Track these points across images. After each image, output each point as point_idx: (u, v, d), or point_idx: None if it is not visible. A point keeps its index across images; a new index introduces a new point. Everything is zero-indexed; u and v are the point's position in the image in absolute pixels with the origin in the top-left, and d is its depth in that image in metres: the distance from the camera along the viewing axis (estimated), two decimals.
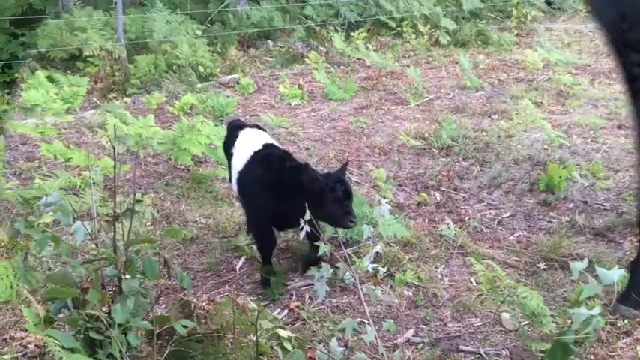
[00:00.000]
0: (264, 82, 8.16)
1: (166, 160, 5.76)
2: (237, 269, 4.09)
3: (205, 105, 6.78)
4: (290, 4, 10.78)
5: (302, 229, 2.56)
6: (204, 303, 2.37)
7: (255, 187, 3.74)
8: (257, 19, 10.14)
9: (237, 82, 8.03)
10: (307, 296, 3.79)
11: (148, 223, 4.56)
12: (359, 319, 2.96)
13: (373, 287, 2.43)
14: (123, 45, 8.42)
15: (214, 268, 4.12)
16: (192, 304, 2.37)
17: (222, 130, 5.58)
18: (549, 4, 11.72)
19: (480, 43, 9.66)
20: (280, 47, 9.63)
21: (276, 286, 3.75)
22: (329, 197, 3.41)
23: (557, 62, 8.40)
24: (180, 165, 5.54)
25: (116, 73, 8.03)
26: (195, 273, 4.06)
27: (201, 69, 8.23)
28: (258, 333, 2.18)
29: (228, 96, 7.36)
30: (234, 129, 4.22)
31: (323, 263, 2.47)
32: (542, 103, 6.97)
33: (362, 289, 2.46)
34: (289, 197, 3.46)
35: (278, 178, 3.63)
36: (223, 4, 10.33)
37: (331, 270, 2.43)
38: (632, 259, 3.68)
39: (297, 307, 3.66)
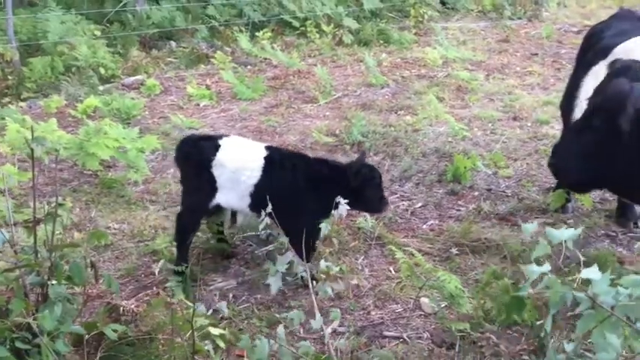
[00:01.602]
0: (170, 84, 7.97)
1: (71, 166, 5.50)
2: (157, 273, 3.99)
3: (110, 107, 6.53)
4: (191, 3, 10.58)
5: (262, 220, 2.59)
6: (132, 306, 2.31)
7: (290, 192, 3.64)
8: (158, 19, 9.87)
9: (142, 84, 7.79)
10: (231, 295, 3.77)
11: (57, 232, 4.34)
12: (287, 314, 2.98)
13: (324, 283, 2.48)
14: (14, 47, 7.93)
15: (132, 273, 4.00)
16: (121, 308, 2.30)
17: (132, 133, 5.42)
18: (444, 4, 12.23)
19: (382, 41, 9.94)
20: (184, 48, 9.44)
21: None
22: (367, 186, 3.59)
23: (455, 59, 8.81)
24: (88, 170, 5.31)
25: (9, 77, 7.57)
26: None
27: (102, 71, 7.91)
28: (194, 329, 2.15)
29: (133, 98, 7.13)
30: (203, 141, 3.89)
31: (278, 257, 2.49)
32: (443, 98, 7.29)
33: (312, 283, 2.52)
34: (324, 193, 3.44)
35: (311, 178, 3.66)
36: (121, 4, 9.98)
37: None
38: None
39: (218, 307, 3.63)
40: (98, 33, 8.71)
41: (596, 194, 4.88)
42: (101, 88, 7.53)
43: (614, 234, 4.47)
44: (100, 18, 9.62)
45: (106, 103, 6.61)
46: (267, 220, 2.64)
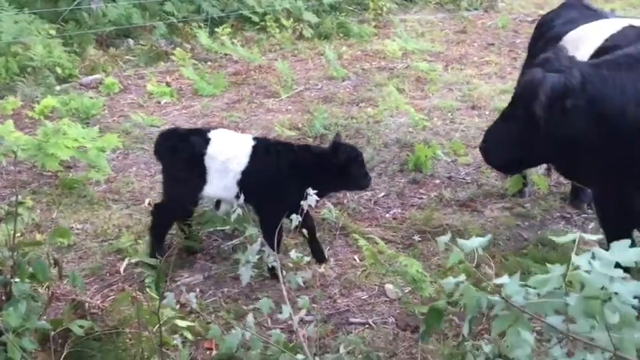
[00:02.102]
0: (130, 82, 7.89)
1: (30, 168, 5.41)
2: (122, 271, 3.98)
3: (68, 107, 6.44)
4: (148, 0, 10.47)
5: (234, 211, 2.63)
6: (98, 302, 2.32)
7: (278, 179, 3.77)
8: (114, 16, 9.72)
9: (101, 83, 7.68)
10: (198, 290, 3.78)
11: (18, 234, 4.29)
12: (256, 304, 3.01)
13: (296, 273, 2.53)
14: None
15: (97, 272, 3.98)
16: (87, 304, 2.31)
17: (92, 132, 5.35)
18: None
19: (341, 35, 10.00)
20: (142, 45, 9.33)
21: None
22: (351, 163, 3.78)
23: (414, 51, 8.92)
24: (48, 171, 5.24)
25: None
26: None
27: (59, 70, 7.76)
28: (161, 322, 2.18)
29: (91, 97, 7.02)
30: (191, 136, 3.96)
31: (249, 247, 2.52)
32: (404, 89, 7.39)
33: (283, 273, 2.58)
34: (308, 178, 3.56)
35: (299, 164, 3.81)
36: (76, 2, 9.80)
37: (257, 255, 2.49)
38: None
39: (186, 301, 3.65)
40: (53, 32, 8.54)
41: (551, 178, 5.05)
42: (58, 88, 7.41)
43: (569, 215, 4.64)
44: (55, 17, 9.42)
45: (64, 103, 6.51)
46: (239, 211, 2.68)
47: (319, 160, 3.84)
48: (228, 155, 3.80)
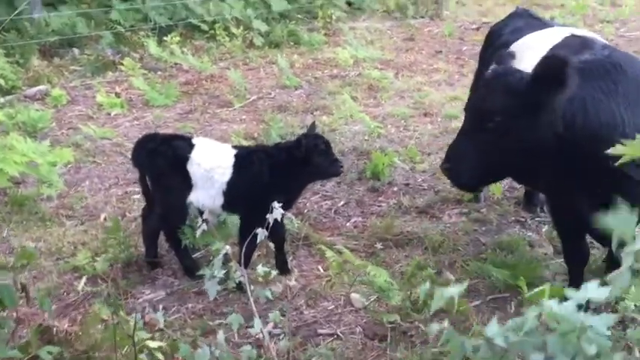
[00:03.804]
0: (77, 93, 7.67)
1: None
2: (80, 290, 3.86)
3: (15, 121, 6.20)
4: (93, 9, 10.20)
5: (199, 227, 2.60)
6: (65, 326, 2.24)
7: (261, 182, 3.81)
8: (58, 25, 9.43)
9: (47, 94, 7.44)
10: (161, 307, 3.70)
11: None
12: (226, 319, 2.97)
13: (265, 288, 2.51)
14: None
15: (54, 292, 3.84)
16: (54, 329, 2.23)
17: (42, 146, 5.18)
18: (350, 4, 12.47)
19: (292, 43, 10.01)
20: (89, 55, 9.07)
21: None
22: (314, 153, 3.79)
23: (365, 59, 9.02)
24: None
25: None
26: (33, 300, 3.74)
27: (1, 82, 7.47)
28: (135, 344, 2.12)
29: (38, 110, 6.79)
30: (172, 141, 3.96)
31: (215, 260, 2.47)
32: (357, 97, 7.45)
33: (250, 287, 2.54)
34: (288, 176, 3.76)
35: (277, 164, 3.85)
36: (16, 12, 9.47)
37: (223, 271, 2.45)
38: None
39: (152, 319, 3.57)
40: None
41: (504, 183, 5.18)
42: (2, 100, 7.12)
43: (523, 219, 4.78)
44: None
45: (10, 117, 6.27)
46: (205, 226, 2.65)
47: (290, 155, 3.88)
48: (212, 162, 3.82)
